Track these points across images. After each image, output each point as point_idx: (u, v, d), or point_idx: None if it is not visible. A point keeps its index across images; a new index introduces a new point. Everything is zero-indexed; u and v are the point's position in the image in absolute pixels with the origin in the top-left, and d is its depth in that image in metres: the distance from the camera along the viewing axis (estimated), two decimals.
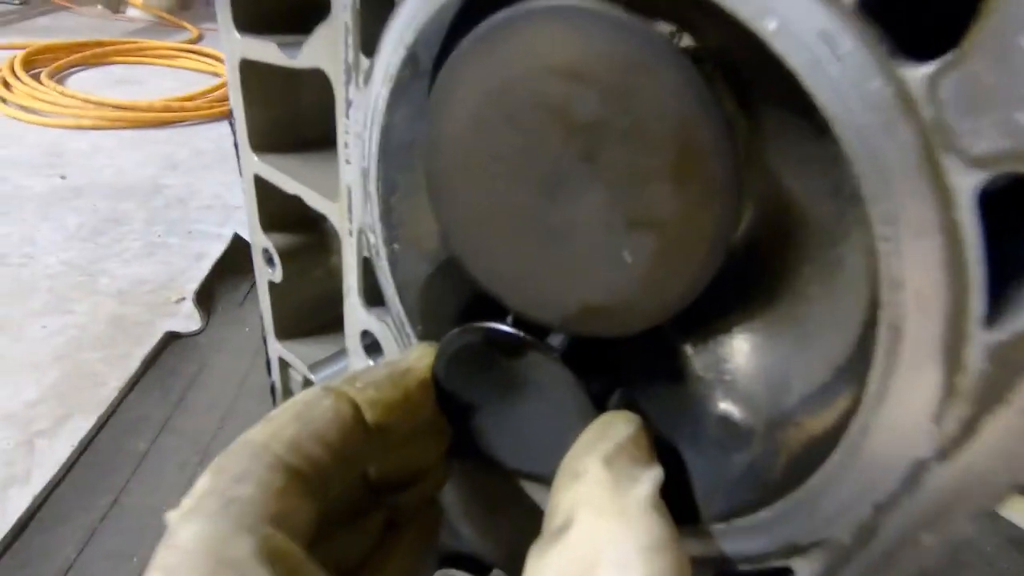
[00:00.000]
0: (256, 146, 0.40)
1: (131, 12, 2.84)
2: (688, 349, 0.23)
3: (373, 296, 0.36)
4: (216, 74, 2.28)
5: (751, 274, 0.22)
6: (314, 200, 0.37)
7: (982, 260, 0.14)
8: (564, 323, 0.24)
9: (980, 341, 0.15)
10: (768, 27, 0.15)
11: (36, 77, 1.95)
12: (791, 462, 0.20)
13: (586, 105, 0.20)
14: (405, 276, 0.32)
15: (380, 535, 0.32)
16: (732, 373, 0.22)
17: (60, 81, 2.03)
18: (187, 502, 0.22)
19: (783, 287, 0.21)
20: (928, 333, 0.15)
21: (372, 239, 0.33)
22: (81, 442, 0.99)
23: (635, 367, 0.28)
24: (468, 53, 0.21)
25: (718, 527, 0.23)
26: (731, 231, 0.20)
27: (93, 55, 2.22)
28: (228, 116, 0.39)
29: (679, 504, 0.26)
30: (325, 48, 0.30)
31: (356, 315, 0.38)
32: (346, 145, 0.32)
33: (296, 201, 0.39)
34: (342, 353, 0.48)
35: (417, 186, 0.30)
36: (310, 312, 0.50)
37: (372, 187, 0.31)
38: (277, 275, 0.45)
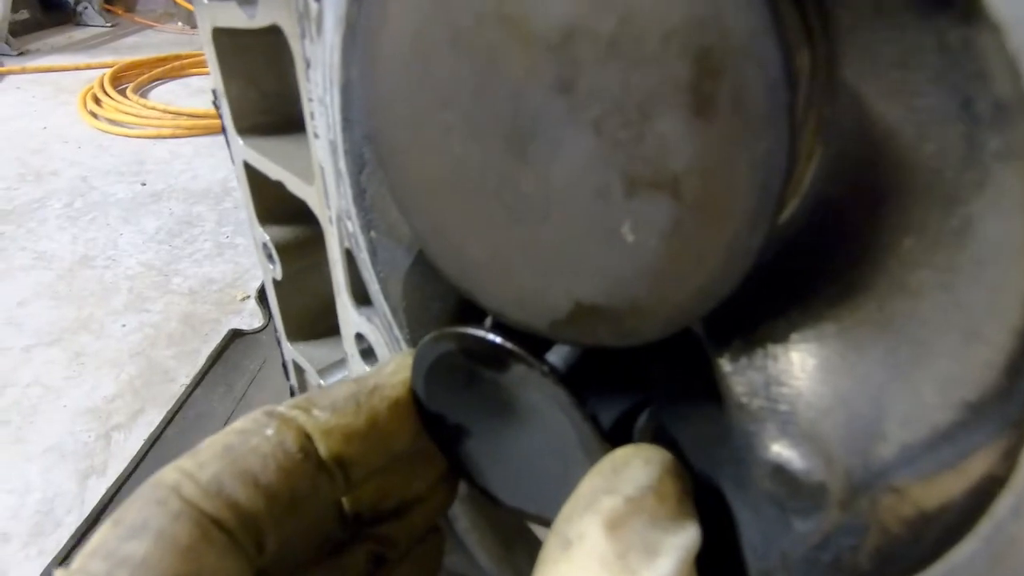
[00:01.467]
0: (242, 129, 0.36)
1: None
2: (725, 365, 0.16)
3: (362, 294, 0.31)
4: None
5: (818, 254, 0.14)
6: (294, 185, 0.32)
7: None
8: (554, 328, 0.18)
9: None
10: None
11: (123, 92, 2.09)
12: (888, 546, 0.13)
13: (552, 5, 0.13)
14: (386, 269, 0.27)
15: (367, 571, 0.27)
16: (790, 402, 0.14)
17: (144, 95, 2.16)
18: (75, 561, 0.18)
19: (870, 273, 0.13)
20: None
21: (350, 227, 0.28)
22: (150, 437, 1.03)
23: (663, 383, 0.21)
24: None
25: None
26: (784, 187, 0.13)
27: (173, 69, 2.36)
28: (213, 98, 0.36)
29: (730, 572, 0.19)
30: (280, 0, 0.25)
31: (348, 316, 0.33)
32: (312, 115, 0.27)
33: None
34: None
35: None
36: (321, 311, 0.46)
37: (342, 163, 0.26)
38: (278, 272, 0.41)
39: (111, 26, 2.90)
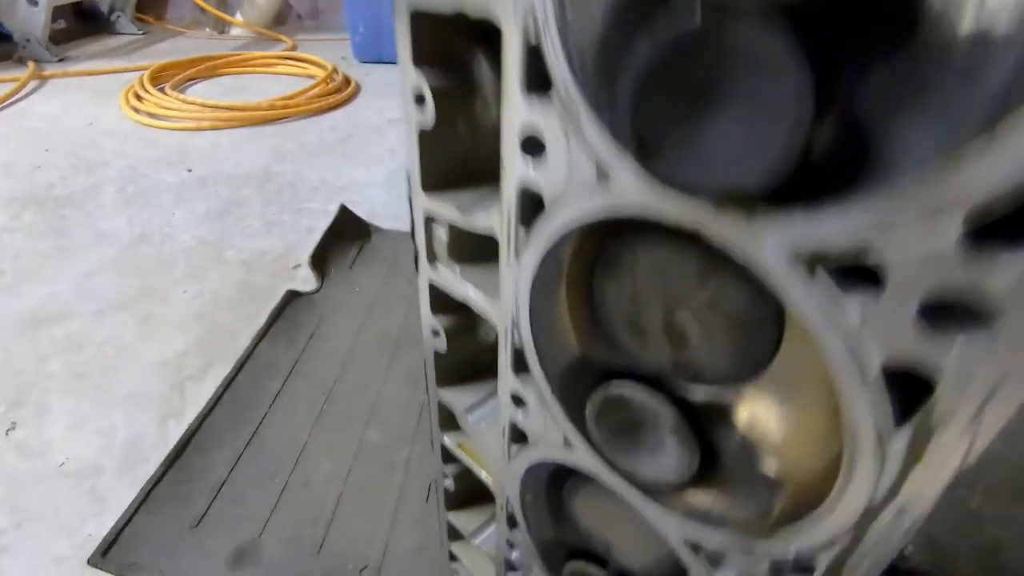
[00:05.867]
0: None
1: (234, 31, 3.11)
2: None
3: (538, 82, 0.34)
4: (311, 76, 2.44)
5: None
6: None
7: None
8: None
9: None
10: None
11: (161, 90, 2.16)
12: None
13: None
14: (579, 38, 0.30)
15: None
16: None
17: (181, 92, 2.24)
18: None
19: None
20: None
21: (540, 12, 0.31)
22: (224, 381, 1.07)
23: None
24: None
25: None
26: None
27: (206, 68, 2.44)
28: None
29: None
30: None
31: (516, 114, 0.37)
32: None
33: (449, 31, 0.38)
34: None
35: None
36: (460, 163, 0.49)
37: None
38: (428, 116, 0.45)
39: (143, 34, 3.01)
